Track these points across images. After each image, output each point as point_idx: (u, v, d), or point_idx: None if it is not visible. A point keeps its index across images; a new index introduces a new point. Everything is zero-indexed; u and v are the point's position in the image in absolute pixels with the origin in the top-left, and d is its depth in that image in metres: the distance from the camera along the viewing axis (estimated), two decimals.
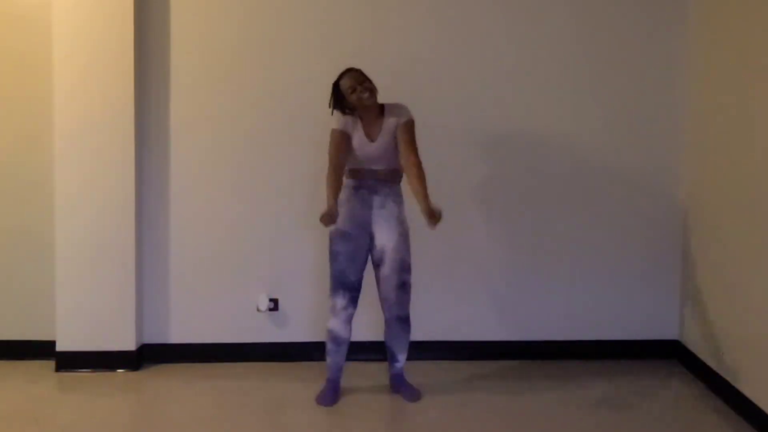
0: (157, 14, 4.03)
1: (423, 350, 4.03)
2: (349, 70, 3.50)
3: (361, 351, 3.98)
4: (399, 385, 3.74)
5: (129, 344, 4.04)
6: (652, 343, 4.27)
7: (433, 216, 3.30)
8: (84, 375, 3.98)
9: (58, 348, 4.01)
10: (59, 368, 4.01)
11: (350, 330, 3.62)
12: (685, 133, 4.15)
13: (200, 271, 4.15)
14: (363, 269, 3.59)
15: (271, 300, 4.17)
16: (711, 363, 3.83)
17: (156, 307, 4.15)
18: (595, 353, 4.24)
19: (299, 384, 3.89)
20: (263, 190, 4.14)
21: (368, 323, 3.93)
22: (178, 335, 4.18)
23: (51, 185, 3.97)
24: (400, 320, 3.61)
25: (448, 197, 4.04)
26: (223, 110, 4.10)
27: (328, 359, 3.66)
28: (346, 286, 3.55)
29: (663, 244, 4.23)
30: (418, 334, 3.79)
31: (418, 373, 3.88)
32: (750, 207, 3.47)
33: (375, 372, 3.94)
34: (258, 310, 4.16)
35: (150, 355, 4.15)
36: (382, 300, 3.62)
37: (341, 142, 3.47)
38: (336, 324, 3.58)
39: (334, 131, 3.49)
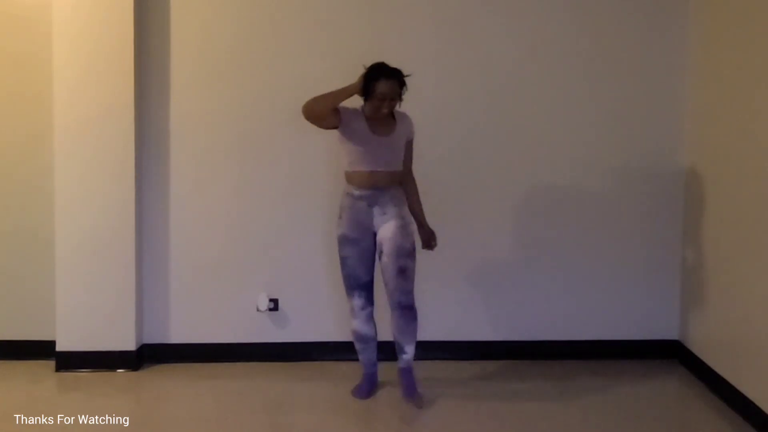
0: (157, 14, 4.03)
1: (422, 350, 4.02)
2: (390, 76, 3.39)
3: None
4: (406, 384, 3.67)
5: (129, 344, 4.04)
6: (652, 343, 4.27)
7: (434, 237, 3.70)
8: (84, 375, 3.98)
9: (58, 348, 4.02)
10: (59, 368, 4.01)
11: (374, 327, 3.70)
12: (686, 133, 4.15)
13: (200, 271, 4.15)
14: (373, 268, 3.63)
15: (271, 300, 4.17)
16: (711, 363, 3.83)
17: (156, 307, 4.15)
18: (595, 353, 4.24)
19: (299, 384, 3.90)
20: (263, 190, 4.14)
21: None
22: (178, 335, 4.18)
23: (51, 185, 3.97)
24: (402, 308, 3.54)
25: (446, 198, 4.05)
26: (223, 110, 4.10)
27: (360, 357, 3.76)
28: (359, 286, 3.60)
29: (663, 244, 4.23)
30: (419, 334, 3.78)
31: (417, 372, 3.88)
32: (750, 207, 3.48)
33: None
34: (258, 310, 4.16)
35: (150, 355, 4.15)
36: (385, 288, 3.59)
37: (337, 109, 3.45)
38: (358, 324, 3.66)
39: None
